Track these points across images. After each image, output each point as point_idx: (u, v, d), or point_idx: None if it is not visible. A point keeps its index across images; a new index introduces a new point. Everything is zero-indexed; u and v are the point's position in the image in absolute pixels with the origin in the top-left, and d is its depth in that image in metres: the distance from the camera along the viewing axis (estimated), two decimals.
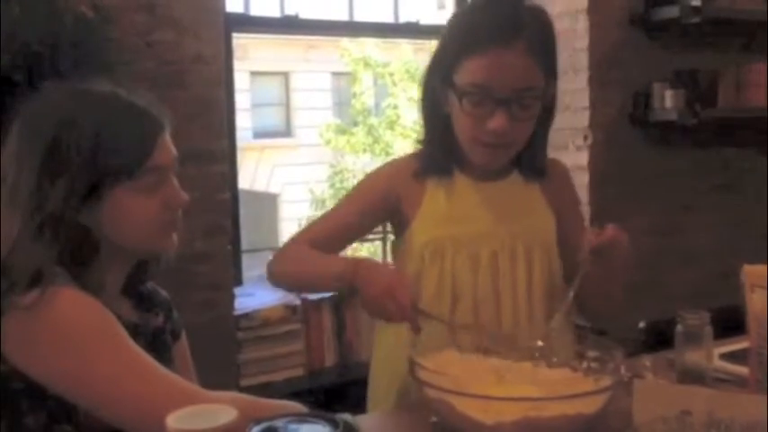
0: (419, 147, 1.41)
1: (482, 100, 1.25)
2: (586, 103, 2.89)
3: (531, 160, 1.38)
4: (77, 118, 1.10)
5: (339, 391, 2.43)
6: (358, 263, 1.24)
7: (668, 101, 2.87)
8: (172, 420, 0.75)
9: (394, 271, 1.21)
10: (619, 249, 1.23)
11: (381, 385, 1.42)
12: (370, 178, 1.44)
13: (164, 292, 1.32)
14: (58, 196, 1.07)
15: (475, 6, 1.34)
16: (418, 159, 1.39)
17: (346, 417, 0.99)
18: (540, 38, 1.26)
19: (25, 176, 1.08)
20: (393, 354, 1.35)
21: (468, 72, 1.25)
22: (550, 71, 1.30)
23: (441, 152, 1.36)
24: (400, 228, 1.40)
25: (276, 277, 1.40)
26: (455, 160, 1.36)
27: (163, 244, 1.19)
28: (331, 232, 1.38)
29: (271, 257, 1.41)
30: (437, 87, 1.32)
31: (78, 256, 1.09)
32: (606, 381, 1.04)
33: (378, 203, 1.40)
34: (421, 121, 1.40)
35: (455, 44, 1.28)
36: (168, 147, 1.17)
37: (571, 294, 1.24)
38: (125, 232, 1.14)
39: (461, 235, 1.33)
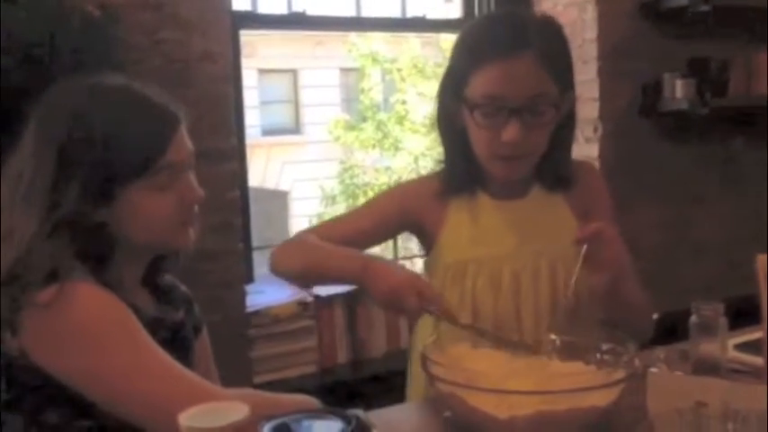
0: (441, 166, 1.41)
1: (494, 111, 1.25)
2: (596, 94, 2.88)
3: (552, 171, 1.37)
4: (90, 115, 1.10)
5: (353, 388, 2.43)
6: (369, 262, 1.20)
7: (679, 90, 2.85)
8: (184, 419, 0.75)
9: (407, 269, 1.21)
10: (606, 243, 1.19)
11: (420, 378, 1.41)
12: (392, 191, 1.46)
13: (183, 287, 1.32)
14: (72, 195, 1.07)
15: (484, 20, 1.35)
16: (441, 179, 1.39)
17: (359, 412, 0.98)
18: (550, 47, 1.26)
19: (41, 175, 1.08)
20: None
21: (479, 84, 1.25)
22: (564, 80, 1.29)
23: (460, 170, 1.36)
24: (427, 246, 1.42)
25: (280, 266, 1.36)
26: (476, 178, 1.36)
27: (179, 240, 1.19)
28: (341, 234, 1.36)
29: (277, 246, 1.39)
30: (450, 104, 1.32)
31: (95, 252, 1.09)
32: (619, 373, 1.04)
33: (394, 217, 1.40)
34: (439, 140, 1.40)
35: (465, 58, 1.29)
36: (183, 142, 1.16)
37: (572, 283, 1.22)
38: (140, 229, 1.14)
39: (483, 257, 1.34)
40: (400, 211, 1.40)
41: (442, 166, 1.40)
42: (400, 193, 1.44)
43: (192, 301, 1.32)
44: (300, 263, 1.33)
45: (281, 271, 1.37)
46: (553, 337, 1.20)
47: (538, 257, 1.34)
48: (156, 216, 1.13)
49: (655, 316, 2.27)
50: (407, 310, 1.13)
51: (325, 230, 1.38)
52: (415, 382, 1.44)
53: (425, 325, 1.38)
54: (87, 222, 1.08)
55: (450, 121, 1.34)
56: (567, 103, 1.32)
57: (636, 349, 1.09)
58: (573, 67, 1.34)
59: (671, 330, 1.43)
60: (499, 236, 1.35)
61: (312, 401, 1.12)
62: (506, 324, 1.32)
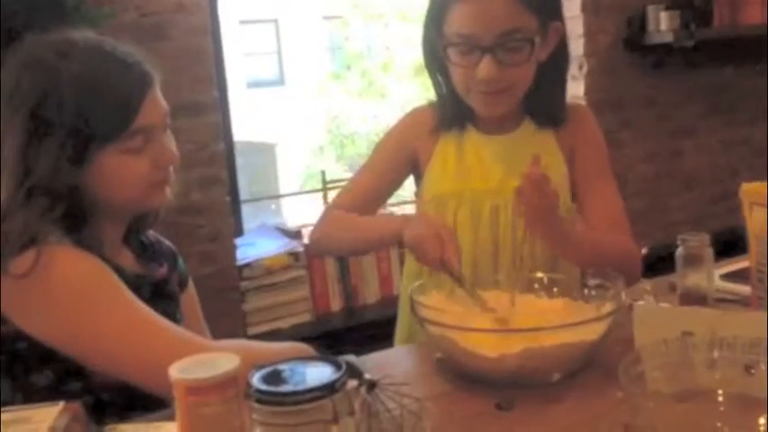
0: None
1: (467, 49, 1.24)
2: (580, 30, 2.84)
3: (540, 105, 1.35)
4: (60, 77, 1.06)
5: (346, 335, 2.46)
6: (406, 218, 1.26)
7: (663, 23, 2.83)
8: (174, 370, 0.75)
9: (438, 221, 1.22)
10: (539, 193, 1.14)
11: (407, 323, 1.43)
12: (391, 134, 1.45)
13: (167, 243, 1.31)
14: (45, 161, 1.05)
15: None
16: (434, 113, 1.39)
17: (350, 357, 0.99)
18: None
19: (10, 141, 1.06)
20: None
21: (453, 22, 1.24)
22: (546, 11, 1.27)
23: (449, 106, 1.35)
24: (418, 180, 1.43)
25: (322, 245, 1.44)
26: (466, 113, 1.35)
27: (154, 201, 1.17)
28: (363, 197, 1.40)
29: (314, 226, 1.44)
30: (434, 40, 1.31)
31: (71, 216, 1.08)
32: (607, 307, 1.04)
33: (398, 160, 1.42)
34: (428, 74, 1.39)
35: None
36: (157, 103, 1.13)
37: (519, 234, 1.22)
38: (115, 192, 1.12)
39: (465, 191, 1.34)
40: (401, 150, 1.41)
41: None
42: (396, 134, 1.44)
43: (177, 256, 1.32)
44: (346, 242, 1.40)
45: (327, 252, 1.51)
46: (540, 274, 1.21)
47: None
48: (130, 179, 1.11)
49: (643, 251, 2.28)
50: (428, 262, 1.16)
51: (348, 199, 1.41)
52: (403, 326, 1.46)
53: (412, 271, 1.39)
54: (61, 187, 1.06)
55: (435, 57, 1.34)
56: (553, 35, 1.29)
57: (623, 283, 1.09)
58: None
59: (660, 263, 1.45)
60: (483, 170, 1.35)
61: (305, 348, 1.12)
62: (484, 257, 1.33)
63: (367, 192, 1.41)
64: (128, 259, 1.21)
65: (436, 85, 1.37)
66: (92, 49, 1.11)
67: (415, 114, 1.43)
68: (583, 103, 2.85)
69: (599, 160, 1.40)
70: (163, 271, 1.24)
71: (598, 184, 1.37)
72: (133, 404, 1.04)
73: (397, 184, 1.44)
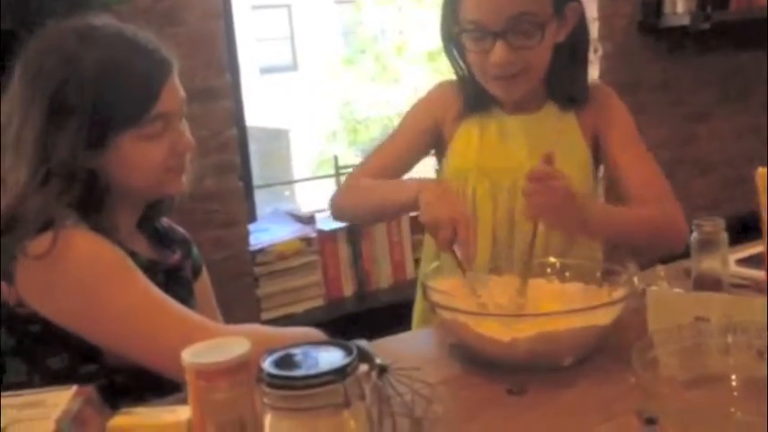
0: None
1: (480, 35, 1.25)
2: (595, 13, 2.81)
3: (561, 87, 1.35)
4: (82, 62, 1.07)
5: (359, 320, 2.46)
6: (422, 185, 1.24)
7: (680, 5, 2.79)
8: (186, 354, 0.75)
9: (455, 203, 1.20)
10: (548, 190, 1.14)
11: (423, 306, 1.43)
12: (417, 106, 1.45)
13: (181, 230, 1.32)
14: (63, 145, 1.06)
15: None
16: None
17: (362, 342, 0.99)
18: None
19: (30, 123, 1.07)
20: None
21: (465, 8, 1.25)
22: None
23: (470, 90, 1.36)
24: (440, 154, 1.43)
25: (344, 211, 1.46)
26: (487, 96, 1.35)
27: (170, 188, 1.18)
28: (387, 166, 1.41)
29: (333, 193, 1.47)
30: (451, 26, 1.31)
31: (87, 199, 1.09)
32: (619, 292, 1.04)
33: (423, 132, 1.42)
34: (448, 60, 1.39)
35: None
36: (175, 91, 1.13)
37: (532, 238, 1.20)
38: (131, 178, 1.13)
39: (485, 167, 1.35)
40: (428, 125, 1.42)
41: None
42: (423, 108, 1.44)
43: (191, 243, 1.32)
44: (366, 207, 1.41)
45: (347, 217, 1.52)
46: (553, 259, 1.20)
47: None
48: (146, 165, 1.12)
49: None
50: (439, 242, 1.17)
51: (372, 166, 1.43)
52: (420, 308, 1.46)
53: (430, 252, 1.39)
54: (79, 171, 1.07)
55: (453, 43, 1.34)
56: (571, 16, 1.29)
57: (635, 268, 1.09)
58: None
59: None
60: (505, 149, 1.36)
61: (317, 333, 1.13)
62: (501, 232, 1.34)
63: (391, 161, 1.41)
64: (142, 245, 1.22)
65: (457, 69, 1.38)
66: (112, 36, 1.11)
67: (442, 90, 1.44)
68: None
69: (628, 136, 1.39)
70: (176, 257, 1.25)
71: (631, 158, 1.36)
72: (147, 388, 1.04)
73: (421, 154, 1.45)
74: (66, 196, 1.06)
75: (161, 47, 1.13)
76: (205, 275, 1.35)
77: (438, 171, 1.47)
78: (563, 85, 1.35)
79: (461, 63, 1.36)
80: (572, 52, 1.33)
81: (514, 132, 1.36)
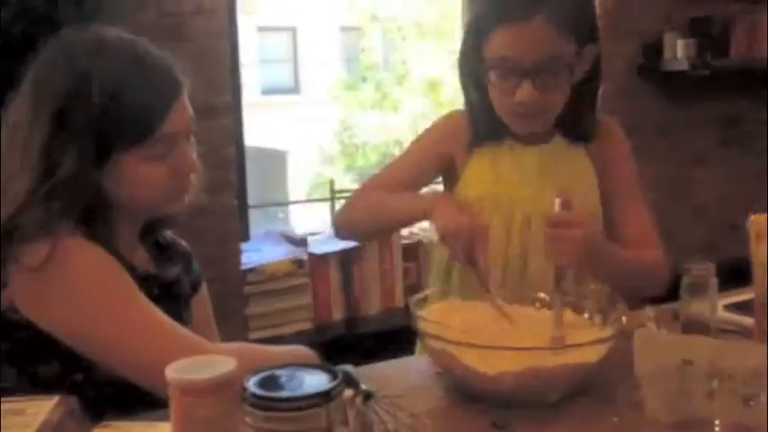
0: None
1: (507, 72, 1.26)
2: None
3: (573, 124, 1.37)
4: (91, 78, 1.06)
5: (347, 345, 2.45)
6: (438, 198, 1.26)
7: (680, 51, 2.83)
8: (171, 370, 0.75)
9: (473, 215, 1.23)
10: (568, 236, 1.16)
11: None
12: (429, 134, 1.46)
13: (183, 244, 1.31)
14: (68, 159, 1.05)
15: None
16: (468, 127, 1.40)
17: (347, 367, 0.99)
18: (563, 7, 1.24)
19: (37, 134, 1.06)
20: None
21: (494, 45, 1.26)
22: (583, 36, 1.28)
23: (483, 123, 1.36)
24: (450, 183, 1.43)
25: (350, 224, 1.44)
26: (501, 127, 1.36)
27: (172, 207, 1.18)
28: (394, 187, 1.40)
29: (340, 208, 1.47)
30: (472, 58, 1.32)
31: (88, 212, 1.08)
32: (608, 331, 1.04)
33: (432, 163, 1.43)
34: (461, 89, 1.40)
35: (483, 16, 1.29)
36: (183, 111, 1.13)
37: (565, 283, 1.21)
38: (133, 195, 1.12)
39: (499, 196, 1.36)
40: (437, 155, 1.42)
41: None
42: (435, 137, 1.45)
43: (191, 258, 1.32)
44: (373, 220, 1.41)
45: (352, 230, 1.47)
46: (542, 294, 1.21)
47: (550, 204, 1.34)
48: (148, 184, 1.11)
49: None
50: (456, 255, 1.19)
51: (384, 182, 1.43)
52: None
53: (439, 274, 1.40)
54: (82, 186, 1.07)
55: (471, 75, 1.35)
56: (588, 56, 1.31)
57: (624, 308, 1.09)
58: (596, 20, 1.34)
59: (667, 291, 1.43)
60: (518, 178, 1.37)
61: (307, 352, 1.13)
62: (514, 265, 1.34)
63: (399, 183, 1.41)
64: (142, 258, 1.21)
65: (470, 100, 1.39)
66: (124, 53, 1.11)
67: (452, 120, 1.44)
68: None
69: (630, 176, 1.43)
70: (174, 272, 1.24)
71: (630, 200, 1.40)
72: (135, 401, 1.03)
73: (430, 178, 1.46)
74: (67, 209, 1.06)
75: (172, 65, 1.13)
76: (204, 291, 1.34)
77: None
78: (574, 122, 1.37)
79: (476, 94, 1.36)
80: (586, 91, 1.35)
81: (527, 163, 1.37)
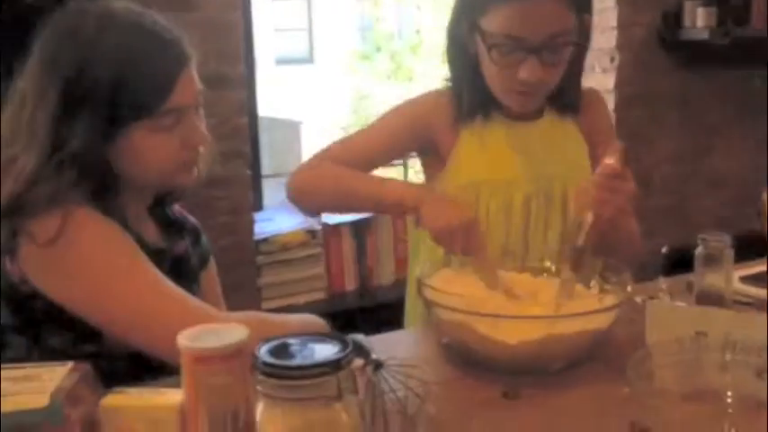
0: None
1: (510, 49, 1.22)
2: (614, 22, 2.80)
3: (563, 96, 1.35)
4: (98, 50, 1.06)
5: (360, 315, 2.46)
6: (422, 195, 1.21)
7: (700, 19, 2.78)
8: (183, 338, 0.75)
9: (462, 209, 1.20)
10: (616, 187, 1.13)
11: (417, 304, 1.42)
12: (401, 109, 1.39)
13: (192, 219, 1.31)
14: (77, 133, 1.05)
15: None
16: (452, 103, 1.35)
17: (358, 337, 0.99)
18: None
19: (44, 108, 1.06)
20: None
21: (497, 22, 1.22)
22: (582, 7, 1.26)
23: (471, 98, 1.32)
24: (434, 165, 1.38)
25: (304, 194, 1.35)
26: (488, 103, 1.33)
27: (181, 180, 1.18)
28: (356, 154, 1.34)
29: (292, 174, 1.36)
30: (464, 30, 1.28)
31: (97, 186, 1.08)
32: (619, 297, 1.05)
33: (404, 137, 1.37)
34: (448, 65, 1.36)
35: None
36: (191, 83, 1.12)
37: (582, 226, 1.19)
38: (142, 169, 1.12)
39: (496, 180, 1.33)
40: (411, 130, 1.37)
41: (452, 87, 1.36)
42: (410, 112, 1.38)
43: (200, 233, 1.32)
44: (332, 194, 1.33)
45: (305, 202, 1.36)
46: (548, 263, 1.21)
47: (550, 181, 1.33)
48: (158, 157, 1.11)
49: (664, 250, 2.25)
50: (454, 251, 1.17)
51: (342, 153, 1.35)
52: (413, 308, 1.45)
53: (420, 251, 1.38)
54: (91, 159, 1.07)
55: (462, 48, 1.31)
56: (584, 27, 1.28)
57: (630, 276, 1.09)
58: None
59: (681, 263, 1.43)
60: (512, 158, 1.34)
61: (317, 320, 1.13)
62: (515, 247, 1.32)
63: (365, 151, 1.35)
64: (150, 231, 1.21)
65: (456, 76, 1.34)
66: (131, 24, 1.10)
67: (434, 97, 1.38)
68: (612, 95, 2.82)
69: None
70: (184, 246, 1.25)
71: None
72: (146, 373, 1.04)
73: (398, 155, 1.42)
74: (77, 183, 1.06)
75: (180, 37, 1.12)
76: (212, 265, 1.34)
77: (427, 181, 1.42)
78: (564, 93, 1.34)
79: (464, 69, 1.32)
80: (576, 62, 1.32)
81: (520, 141, 1.34)
